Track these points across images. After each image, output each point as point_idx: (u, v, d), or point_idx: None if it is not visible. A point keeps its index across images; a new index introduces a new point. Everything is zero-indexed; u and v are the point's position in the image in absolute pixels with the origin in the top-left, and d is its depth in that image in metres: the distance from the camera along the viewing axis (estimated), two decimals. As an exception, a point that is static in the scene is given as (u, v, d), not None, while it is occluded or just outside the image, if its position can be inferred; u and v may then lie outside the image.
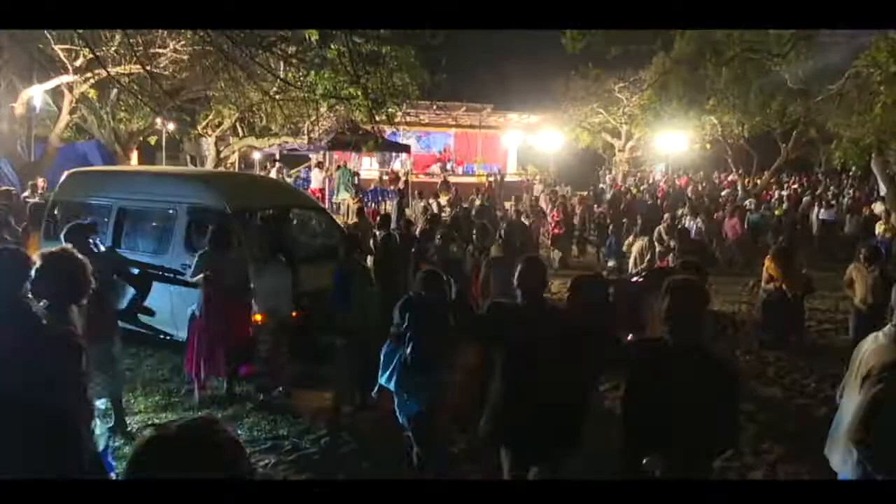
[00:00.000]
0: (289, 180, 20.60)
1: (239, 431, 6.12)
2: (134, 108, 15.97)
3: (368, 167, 27.87)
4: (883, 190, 19.70)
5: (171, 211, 8.17)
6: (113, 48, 11.85)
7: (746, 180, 27.53)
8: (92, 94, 14.63)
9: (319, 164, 22.02)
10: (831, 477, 3.87)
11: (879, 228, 16.21)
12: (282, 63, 10.74)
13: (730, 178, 29.89)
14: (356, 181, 20.66)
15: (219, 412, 6.61)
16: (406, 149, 23.25)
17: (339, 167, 21.13)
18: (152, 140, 20.81)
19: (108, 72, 10.52)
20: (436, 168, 28.70)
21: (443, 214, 15.65)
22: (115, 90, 14.69)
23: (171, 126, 20.71)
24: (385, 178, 23.99)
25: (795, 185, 30.25)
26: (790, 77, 16.64)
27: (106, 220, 8.56)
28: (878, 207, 19.28)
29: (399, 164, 26.66)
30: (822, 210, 18.65)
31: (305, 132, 16.78)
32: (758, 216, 17.86)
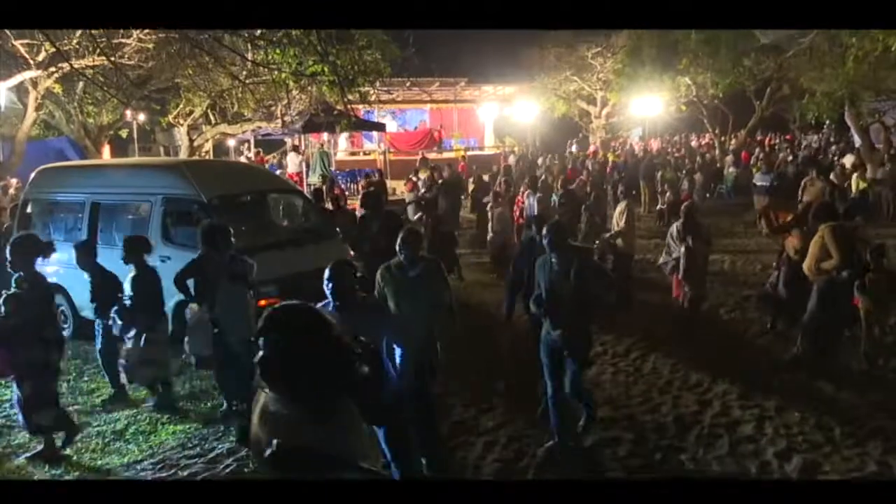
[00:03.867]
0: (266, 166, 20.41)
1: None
2: (102, 101, 15.67)
3: (344, 148, 27.68)
4: (857, 142, 19.88)
5: (145, 203, 8.07)
6: (75, 40, 11.59)
7: (723, 139, 27.65)
8: (57, 88, 14.32)
9: (295, 148, 21.81)
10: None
11: (855, 184, 16.24)
12: (249, 45, 10.57)
13: (707, 138, 30.02)
14: (332, 163, 20.50)
15: (208, 402, 6.61)
16: (382, 127, 23.07)
17: (317, 149, 20.95)
18: (123, 133, 20.50)
19: (71, 65, 10.30)
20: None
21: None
22: (80, 84, 14.40)
23: (141, 117, 20.39)
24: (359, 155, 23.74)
25: (773, 143, 30.48)
26: (761, 34, 16.65)
27: (80, 215, 8.47)
28: (848, 161, 19.46)
29: (374, 143, 26.46)
30: (759, 175, 16.51)
31: (279, 116, 16.58)
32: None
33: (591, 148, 28.91)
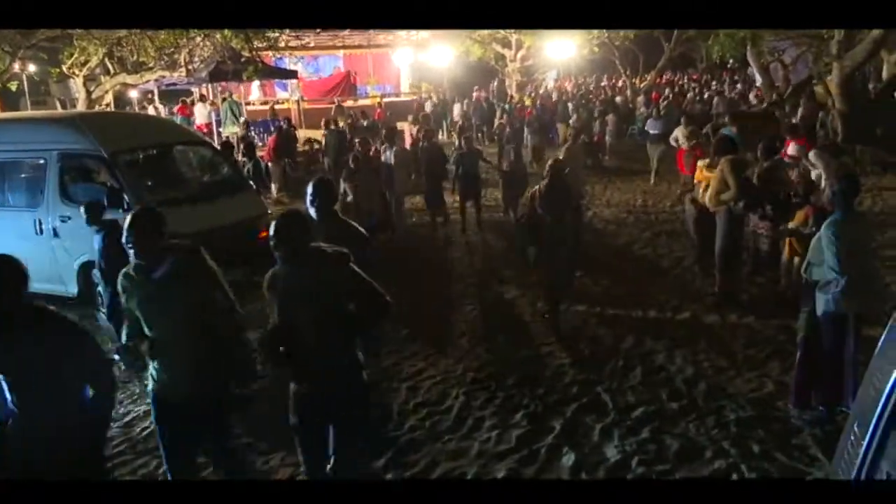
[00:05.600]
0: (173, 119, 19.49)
1: (146, 382, 5.95)
2: (-16, 52, 14.50)
3: (256, 98, 26.71)
4: (759, 80, 20.65)
5: (40, 160, 7.58)
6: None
7: (634, 80, 28.19)
8: (-68, 38, 13.17)
9: (203, 98, 20.90)
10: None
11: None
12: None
13: (620, 81, 30.52)
14: (243, 112, 19.76)
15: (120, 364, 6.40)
16: (293, 74, 22.34)
17: (224, 99, 20.11)
18: (13, 85, 19.09)
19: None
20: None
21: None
22: (-42, 32, 13.26)
23: (31, 68, 19.01)
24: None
25: (680, 81, 31.31)
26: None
27: (-33, 175, 7.90)
28: (753, 96, 20.24)
29: (289, 91, 25.64)
30: (651, 121, 15.08)
31: (182, 64, 15.77)
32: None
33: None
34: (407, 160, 11.30)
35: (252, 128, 18.41)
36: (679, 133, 12.16)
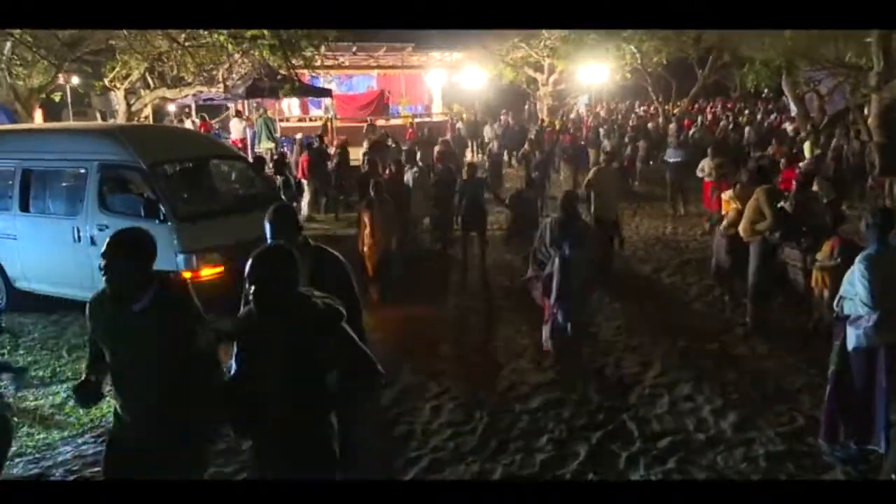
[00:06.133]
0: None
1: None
2: (31, 63, 14.94)
3: (289, 114, 27.12)
4: (794, 110, 20.43)
5: (81, 170, 7.77)
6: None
7: (667, 107, 28.09)
8: (-18, 49, 13.60)
9: (238, 114, 21.26)
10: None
11: (809, 150, 16.20)
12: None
13: (652, 107, 30.42)
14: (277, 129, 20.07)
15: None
16: (327, 93, 22.65)
17: (260, 115, 20.45)
18: (56, 96, 19.60)
19: (-4, 24, 9.75)
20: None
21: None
22: (7, 44, 13.69)
23: (74, 80, 19.55)
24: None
25: (713, 110, 31.11)
26: (703, 2, 16.84)
27: (10, 182, 8.11)
28: (789, 127, 20.03)
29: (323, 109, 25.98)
30: (671, 149, 14.58)
31: (220, 80, 16.08)
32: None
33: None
34: (425, 182, 10.97)
35: (285, 144, 18.67)
36: (706, 164, 12.06)
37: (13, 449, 4.89)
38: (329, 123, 22.36)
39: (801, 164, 12.81)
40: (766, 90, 22.91)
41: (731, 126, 22.76)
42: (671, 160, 14.09)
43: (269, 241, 3.56)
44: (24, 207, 7.99)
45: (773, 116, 26.51)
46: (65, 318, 7.89)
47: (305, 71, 20.35)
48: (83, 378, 3.22)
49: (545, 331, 6.66)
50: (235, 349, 3.04)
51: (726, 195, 8.46)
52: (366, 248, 8.43)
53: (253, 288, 2.81)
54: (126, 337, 2.99)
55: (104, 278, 2.93)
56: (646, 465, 4.75)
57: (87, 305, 3.14)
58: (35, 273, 8.05)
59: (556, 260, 6.37)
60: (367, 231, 8.42)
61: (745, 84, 21.22)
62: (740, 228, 7.25)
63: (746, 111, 29.50)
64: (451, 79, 30.82)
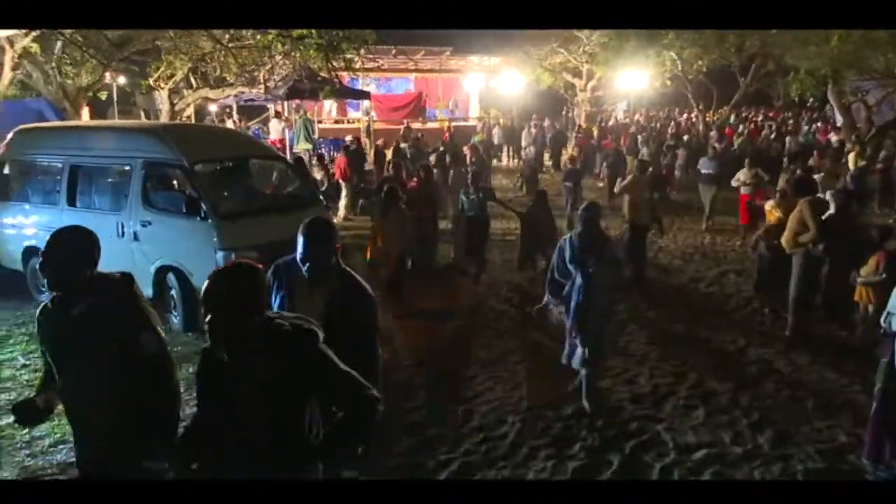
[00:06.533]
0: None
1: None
2: (80, 62, 15.36)
3: (327, 116, 27.39)
4: (839, 120, 20.01)
5: (125, 166, 7.95)
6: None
7: (707, 115, 27.72)
8: (35, 48, 13.99)
9: (278, 115, 21.55)
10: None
11: (853, 161, 15.83)
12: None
13: (693, 115, 30.04)
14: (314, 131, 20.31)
15: (190, 367, 6.58)
16: (366, 95, 22.83)
17: (300, 116, 20.70)
18: (103, 95, 20.08)
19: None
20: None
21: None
22: (59, 44, 14.08)
23: (121, 79, 20.02)
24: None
25: (756, 118, 30.59)
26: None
27: (58, 178, 8.34)
28: (834, 137, 19.60)
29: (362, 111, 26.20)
30: (704, 160, 13.79)
31: (262, 81, 16.31)
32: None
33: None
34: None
35: (323, 146, 18.86)
36: (742, 174, 11.78)
37: (58, 436, 5.03)
38: (369, 125, 22.59)
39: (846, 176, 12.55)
40: (810, 100, 22.46)
41: (773, 136, 22.35)
42: (703, 171, 13.48)
43: (299, 255, 3.29)
44: (71, 202, 8.21)
45: (815, 126, 25.98)
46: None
47: (344, 73, 20.59)
48: (28, 397, 3.02)
49: (565, 347, 5.95)
50: (199, 394, 2.64)
51: (769, 205, 8.32)
52: (370, 257, 8.33)
53: (209, 317, 2.35)
54: (64, 343, 2.77)
55: (45, 280, 2.75)
56: (680, 477, 4.69)
57: (37, 314, 2.92)
58: (79, 266, 8.25)
59: (578, 279, 5.61)
60: (377, 239, 8.25)
61: (788, 93, 20.83)
62: (783, 240, 7.12)
63: (790, 121, 28.96)
64: (489, 83, 30.82)
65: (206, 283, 2.41)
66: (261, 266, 2.52)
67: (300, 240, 3.32)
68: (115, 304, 2.79)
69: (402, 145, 17.49)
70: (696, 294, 9.14)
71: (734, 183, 12.01)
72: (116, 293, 2.84)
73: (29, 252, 8.58)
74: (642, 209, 9.44)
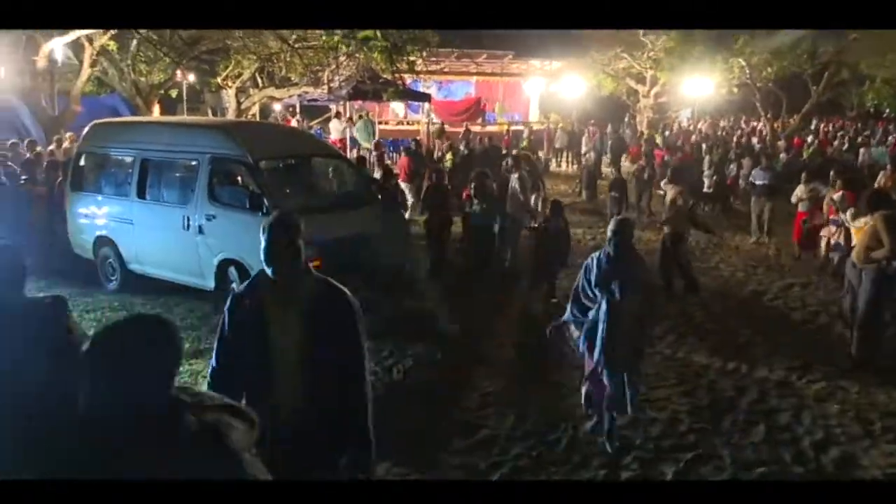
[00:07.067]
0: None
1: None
2: (154, 60, 15.93)
3: (390, 117, 27.70)
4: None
5: (193, 161, 8.20)
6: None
7: (776, 124, 26.92)
8: (112, 46, 14.60)
9: (338, 115, 21.89)
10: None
11: None
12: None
13: (760, 124, 29.21)
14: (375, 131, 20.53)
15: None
16: (427, 97, 22.99)
17: (360, 117, 20.99)
18: (173, 93, 20.80)
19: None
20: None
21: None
22: (134, 42, 14.64)
23: (191, 77, 20.67)
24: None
25: (826, 129, 29.53)
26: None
27: (129, 171, 8.65)
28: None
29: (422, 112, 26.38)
30: (757, 170, 13.11)
31: (325, 81, 16.62)
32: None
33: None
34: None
35: (384, 146, 19.07)
36: (799, 191, 11.09)
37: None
38: (429, 127, 22.74)
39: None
40: (887, 110, 21.58)
41: (845, 147, 21.55)
42: (758, 182, 12.61)
43: (263, 256, 2.88)
44: (141, 194, 8.51)
45: (891, 138, 24.91)
46: (171, 300, 8.32)
47: (406, 75, 20.80)
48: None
49: (584, 389, 5.28)
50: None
51: (859, 223, 7.92)
52: None
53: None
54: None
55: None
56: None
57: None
58: (147, 257, 8.55)
59: (603, 305, 4.89)
60: None
61: (863, 103, 20.08)
62: (854, 254, 6.85)
63: (866, 132, 27.86)
64: (549, 88, 30.65)
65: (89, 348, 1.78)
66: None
67: (262, 238, 2.88)
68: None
69: (461, 148, 17.47)
70: (759, 306, 8.87)
71: (793, 199, 11.39)
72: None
73: (99, 241, 8.93)
74: (680, 217, 9.23)
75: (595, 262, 5.01)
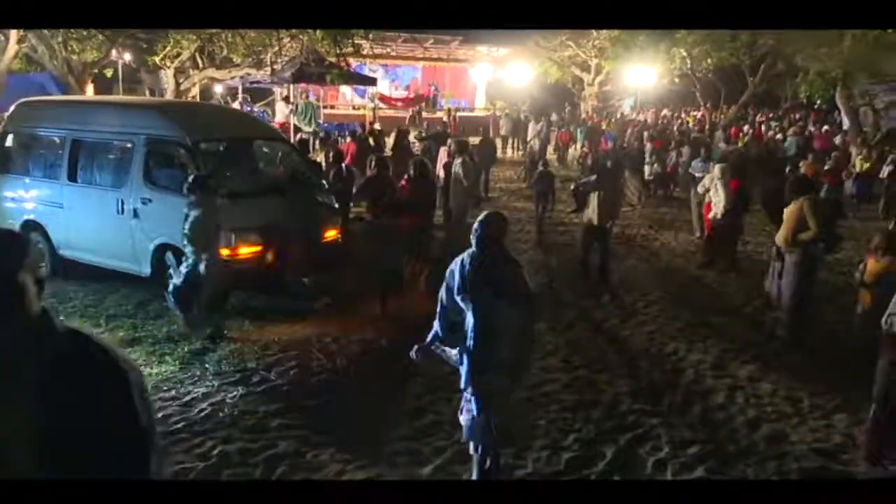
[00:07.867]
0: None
1: (207, 365, 6.13)
2: (86, 38, 15.28)
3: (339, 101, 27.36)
4: (846, 124, 19.93)
5: (128, 143, 7.90)
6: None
7: (714, 114, 27.62)
8: (41, 21, 13.92)
9: (285, 98, 21.49)
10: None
11: (859, 165, 15.65)
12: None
13: (700, 113, 29.91)
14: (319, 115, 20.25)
15: (185, 346, 6.58)
16: (373, 81, 22.76)
17: (303, 100, 20.65)
18: (108, 72, 20.05)
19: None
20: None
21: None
22: (65, 18, 13.99)
23: (127, 57, 19.93)
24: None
25: (762, 119, 30.44)
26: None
27: (59, 152, 8.30)
28: (838, 141, 19.52)
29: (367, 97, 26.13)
30: (697, 162, 12.67)
31: (268, 63, 16.27)
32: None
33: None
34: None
35: (328, 130, 18.83)
36: (707, 180, 9.94)
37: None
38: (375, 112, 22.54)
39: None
40: (818, 102, 22.35)
41: (776, 136, 22.25)
42: (697, 174, 11.77)
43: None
44: (72, 177, 8.17)
45: (808, 132, 25.79)
46: (105, 287, 8.04)
47: (351, 59, 20.54)
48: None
49: (462, 422, 4.18)
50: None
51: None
52: None
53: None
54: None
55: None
56: (673, 472, 4.67)
57: (460, 265, 4.06)
58: (78, 242, 8.22)
59: (469, 317, 3.95)
60: None
61: (797, 94, 20.74)
62: (778, 238, 7.08)
63: (800, 122, 28.77)
64: (496, 74, 30.74)
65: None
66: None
67: None
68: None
69: (412, 139, 16.41)
70: (698, 289, 9.11)
71: (700, 189, 10.37)
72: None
73: (27, 226, 8.56)
74: (608, 207, 8.99)
75: (458, 265, 4.03)
